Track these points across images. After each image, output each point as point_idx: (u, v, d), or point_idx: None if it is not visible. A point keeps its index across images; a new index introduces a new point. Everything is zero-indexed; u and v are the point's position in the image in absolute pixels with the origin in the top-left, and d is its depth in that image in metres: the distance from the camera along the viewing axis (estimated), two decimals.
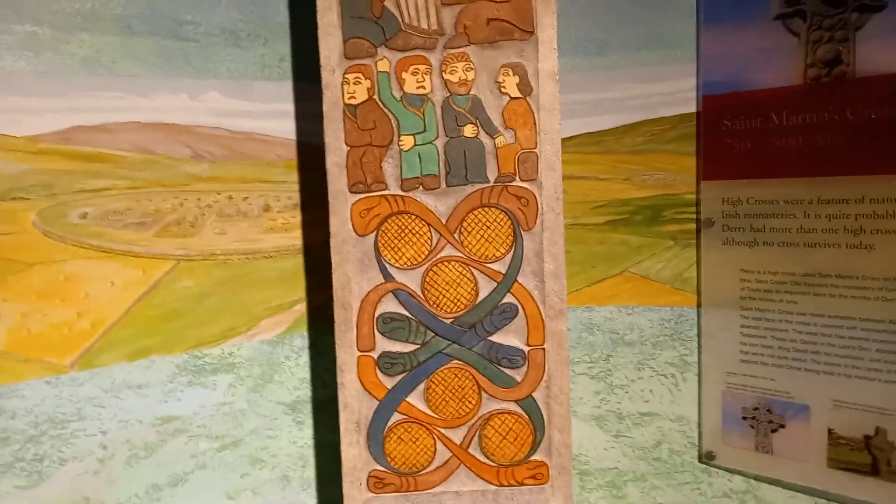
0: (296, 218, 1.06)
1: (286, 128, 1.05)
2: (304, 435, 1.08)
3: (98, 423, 0.94)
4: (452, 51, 0.77)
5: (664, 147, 1.11)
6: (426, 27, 0.77)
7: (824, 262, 0.97)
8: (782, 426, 1.02)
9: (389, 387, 0.81)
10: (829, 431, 0.98)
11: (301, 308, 1.07)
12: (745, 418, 1.06)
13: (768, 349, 1.03)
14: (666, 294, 1.11)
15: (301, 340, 1.07)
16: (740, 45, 1.02)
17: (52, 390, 0.91)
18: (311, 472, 1.08)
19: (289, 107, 1.05)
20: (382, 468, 0.82)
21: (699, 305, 1.09)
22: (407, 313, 0.80)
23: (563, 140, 1.13)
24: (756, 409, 1.05)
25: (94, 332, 0.93)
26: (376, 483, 0.82)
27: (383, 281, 0.80)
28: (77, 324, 0.92)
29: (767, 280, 1.02)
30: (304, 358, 1.07)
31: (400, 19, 0.77)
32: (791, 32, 0.98)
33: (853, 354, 0.95)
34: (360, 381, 0.81)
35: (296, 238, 1.06)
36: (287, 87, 1.04)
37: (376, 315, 0.80)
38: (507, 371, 0.80)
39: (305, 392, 1.08)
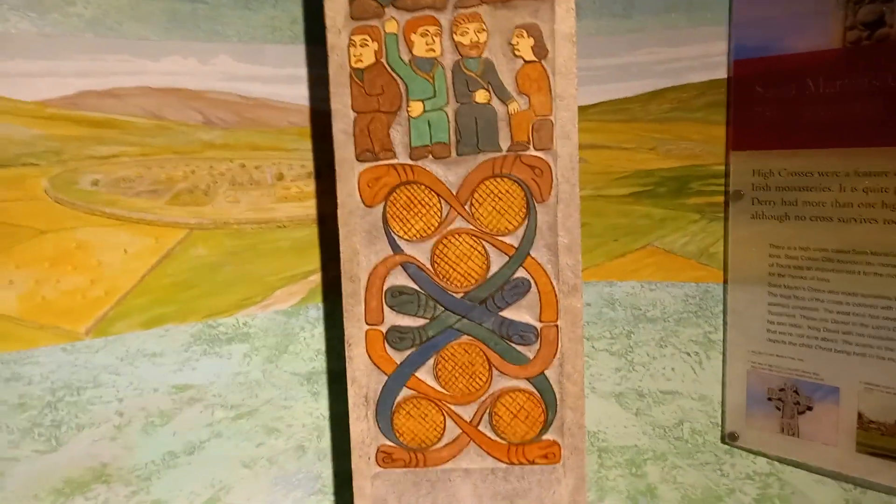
0: (310, 187, 1.04)
1: (299, 93, 1.02)
2: (320, 406, 1.07)
3: (114, 391, 0.95)
4: (464, 11, 0.73)
5: (692, 115, 1.05)
6: None
7: (859, 239, 0.92)
8: (810, 408, 0.99)
9: (398, 361, 0.79)
10: (860, 415, 0.94)
11: (316, 279, 1.05)
12: (770, 399, 1.02)
13: (797, 328, 0.99)
14: (691, 269, 1.07)
15: (316, 311, 1.06)
16: (775, 6, 0.96)
17: (67, 357, 0.91)
18: (326, 443, 1.08)
19: (301, 71, 1.02)
20: (391, 443, 0.81)
21: (725, 281, 1.05)
22: (416, 287, 0.78)
23: (585, 107, 1.10)
24: (782, 389, 1.01)
25: (109, 299, 0.93)
26: (385, 458, 0.81)
27: (392, 253, 0.77)
28: (91, 291, 0.92)
29: (798, 256, 0.98)
30: (320, 329, 1.06)
31: None
32: None
33: (887, 336, 0.90)
34: (369, 356, 0.79)
35: (310, 207, 1.04)
36: (300, 51, 1.02)
37: (385, 288, 0.78)
38: (519, 348, 0.78)
39: (321, 363, 1.07)
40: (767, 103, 0.98)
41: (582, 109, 1.04)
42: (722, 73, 1.03)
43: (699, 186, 1.06)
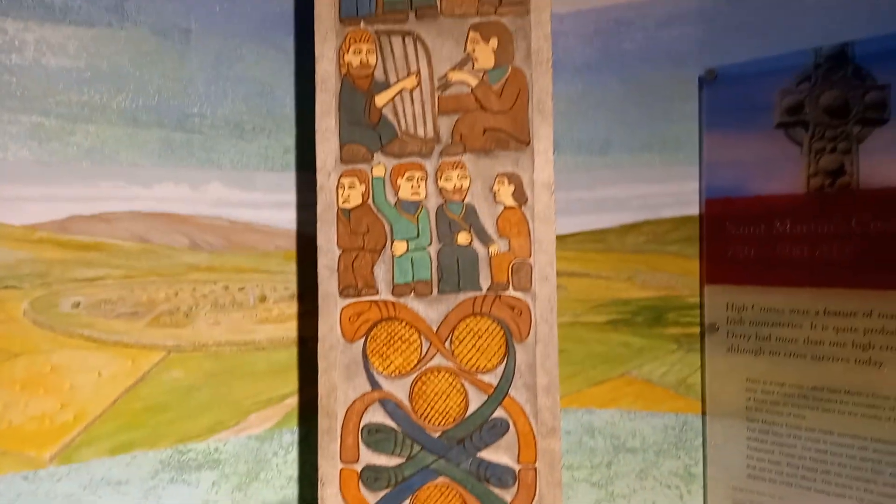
0: (292, 308, 1.04)
1: (287, 218, 1.04)
2: None
3: None
4: (448, 158, 0.77)
5: (667, 248, 1.09)
6: (423, 135, 0.77)
7: (833, 377, 0.93)
8: None
9: (372, 503, 0.77)
10: None
11: (292, 402, 1.04)
12: None
13: (776, 465, 0.98)
14: (669, 399, 1.07)
15: (290, 436, 1.03)
16: (743, 151, 1.02)
17: (28, 486, 0.88)
18: None
19: (290, 197, 1.05)
20: None
21: (704, 413, 1.05)
22: (393, 424, 0.77)
23: (564, 236, 1.13)
24: None
25: (77, 424, 0.91)
26: None
27: (370, 389, 0.77)
28: (59, 416, 0.90)
29: (774, 391, 0.98)
30: (293, 454, 1.04)
31: (397, 126, 0.77)
32: (793, 141, 0.97)
33: (866, 477, 0.90)
34: (343, 496, 0.77)
35: (290, 329, 1.04)
36: (290, 178, 1.05)
37: (361, 425, 0.77)
38: (497, 490, 0.76)
39: (292, 491, 1.03)
40: (739, 241, 1.02)
41: (561, 238, 1.08)
42: (695, 210, 1.07)
43: (675, 317, 1.08)
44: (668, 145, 1.09)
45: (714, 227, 1.05)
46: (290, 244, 1.05)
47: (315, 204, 0.80)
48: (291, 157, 1.06)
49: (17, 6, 0.89)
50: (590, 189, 1.12)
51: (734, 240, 1.03)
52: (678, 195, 1.09)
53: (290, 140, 1.06)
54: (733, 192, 1.03)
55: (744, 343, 1.01)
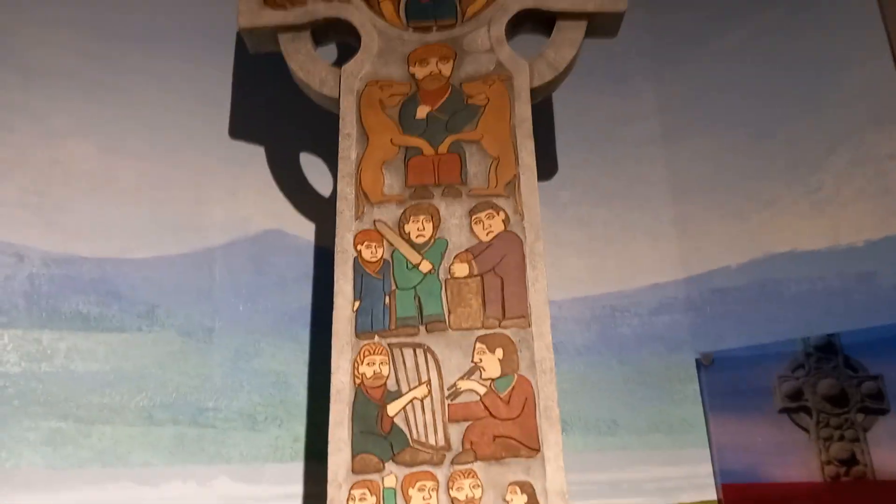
0: None
1: None
2: None
3: None
4: (459, 467, 0.77)
5: None
6: (434, 443, 0.78)
7: None
8: None
9: None
10: None
11: None
12: None
13: None
14: None
15: None
16: (751, 434, 1.02)
17: None
18: None
19: (297, 489, 1.03)
20: None
21: None
22: None
23: None
24: None
25: None
26: None
27: None
28: None
29: None
30: None
31: (408, 435, 0.79)
32: (799, 426, 0.98)
33: None
34: None
35: None
36: (298, 468, 1.04)
37: None
38: None
39: None
40: None
41: None
42: (712, 495, 1.04)
43: None
44: (674, 427, 1.10)
45: None
46: None
47: (322, 495, 0.78)
48: (301, 446, 1.06)
49: (56, 318, 0.96)
50: (602, 471, 1.10)
51: None
52: (692, 478, 1.07)
53: (300, 428, 1.07)
54: (748, 477, 1.01)
55: None
